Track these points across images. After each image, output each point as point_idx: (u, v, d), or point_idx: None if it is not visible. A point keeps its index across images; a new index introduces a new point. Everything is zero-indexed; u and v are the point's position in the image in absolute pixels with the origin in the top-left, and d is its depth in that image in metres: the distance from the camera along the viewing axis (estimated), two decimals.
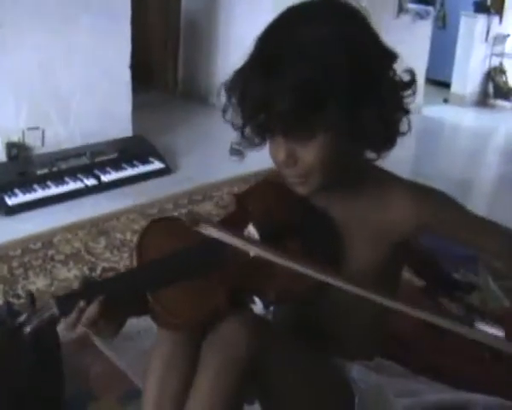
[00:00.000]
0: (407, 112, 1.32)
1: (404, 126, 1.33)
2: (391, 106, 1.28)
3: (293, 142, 1.26)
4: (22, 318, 1.26)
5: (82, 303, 1.26)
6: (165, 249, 1.35)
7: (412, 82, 1.32)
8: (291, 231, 1.39)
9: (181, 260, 1.34)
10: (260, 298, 1.37)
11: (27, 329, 1.25)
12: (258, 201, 1.46)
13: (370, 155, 1.36)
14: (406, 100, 1.32)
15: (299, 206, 1.39)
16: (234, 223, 1.42)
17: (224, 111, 1.34)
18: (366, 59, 1.23)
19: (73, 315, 1.26)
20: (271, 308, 1.49)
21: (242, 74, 1.28)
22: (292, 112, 1.19)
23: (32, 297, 1.47)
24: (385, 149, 1.33)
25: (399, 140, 1.35)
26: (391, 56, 1.30)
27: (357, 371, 1.48)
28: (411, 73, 1.32)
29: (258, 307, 1.41)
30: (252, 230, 1.39)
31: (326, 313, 1.46)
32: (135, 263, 1.36)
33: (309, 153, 1.26)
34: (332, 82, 1.19)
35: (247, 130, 1.35)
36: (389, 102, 1.27)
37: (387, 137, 1.31)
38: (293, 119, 1.21)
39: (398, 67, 1.33)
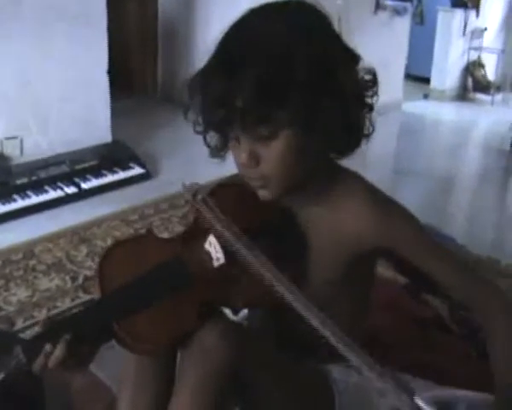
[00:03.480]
0: (371, 108, 1.31)
1: (368, 128, 1.33)
2: (352, 103, 1.27)
3: (256, 142, 1.25)
4: None
5: (48, 347, 1.22)
6: (127, 275, 1.32)
7: (374, 81, 1.32)
8: (256, 234, 1.36)
9: (144, 285, 1.31)
10: (229, 308, 1.35)
11: None
12: (218, 207, 1.42)
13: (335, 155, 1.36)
14: (368, 99, 1.31)
15: (264, 207, 1.37)
16: (194, 234, 1.40)
17: (186, 111, 1.34)
18: (326, 57, 1.23)
19: (40, 360, 1.22)
20: (242, 313, 1.47)
21: (203, 73, 1.28)
22: (252, 108, 1.19)
23: None
24: (349, 150, 1.33)
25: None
26: (352, 57, 1.30)
27: (337, 371, 1.47)
28: (372, 72, 1.32)
29: (230, 314, 1.40)
30: (213, 241, 1.37)
31: (297, 316, 1.45)
32: (98, 293, 1.32)
33: (271, 153, 1.25)
34: (290, 78, 1.19)
35: (210, 135, 1.34)
36: (350, 98, 1.26)
37: (350, 136, 1.30)
38: (254, 115, 1.20)
39: (378, 66, 1.34)
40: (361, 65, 1.30)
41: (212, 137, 1.35)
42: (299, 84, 1.18)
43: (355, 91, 1.28)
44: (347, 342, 1.24)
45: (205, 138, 1.36)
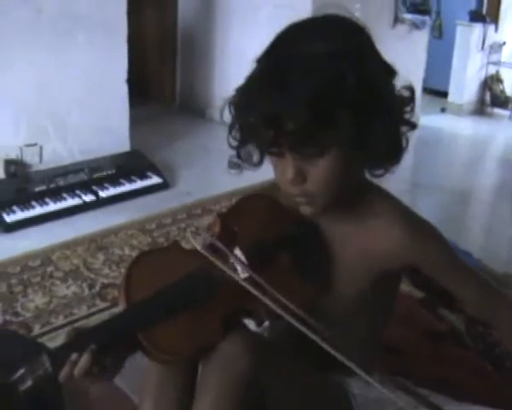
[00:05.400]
0: (414, 126, 1.30)
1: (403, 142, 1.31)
2: (396, 121, 1.27)
3: (303, 159, 1.24)
4: (17, 375, 1.22)
5: (74, 356, 1.23)
6: (152, 286, 1.32)
7: (412, 98, 1.30)
8: (281, 247, 1.38)
9: (169, 296, 1.32)
10: (252, 318, 1.36)
11: (22, 387, 1.22)
12: (244, 219, 1.43)
13: (377, 171, 1.34)
14: (406, 116, 1.30)
15: (289, 220, 1.37)
16: (220, 246, 1.38)
17: (231, 128, 1.33)
18: (371, 74, 1.22)
19: (66, 369, 1.23)
20: (266, 325, 1.47)
21: (249, 91, 1.26)
22: (303, 129, 1.18)
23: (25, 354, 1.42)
24: (391, 166, 1.32)
25: None
26: (392, 72, 1.29)
27: (357, 386, 1.48)
28: (410, 89, 1.31)
29: (252, 325, 1.40)
30: (238, 253, 1.36)
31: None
32: (123, 304, 1.33)
33: (319, 171, 1.24)
34: (342, 96, 1.17)
35: (245, 149, 1.33)
36: (394, 116, 1.26)
37: (394, 152, 1.29)
38: (305, 135, 1.19)
39: (397, 80, 1.33)
40: (398, 80, 1.29)
41: (249, 152, 1.34)
42: (348, 102, 1.17)
43: (397, 108, 1.28)
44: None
45: (238, 152, 1.35)
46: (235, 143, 1.34)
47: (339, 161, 1.24)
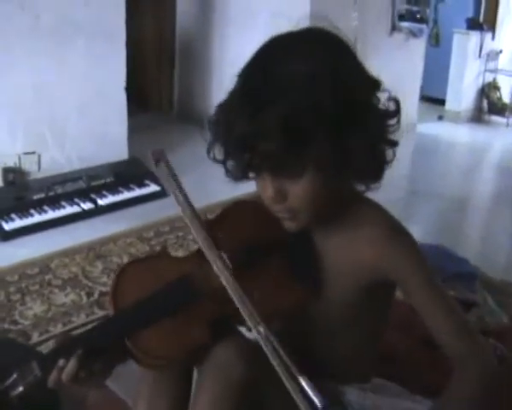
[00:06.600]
0: (395, 144, 1.29)
1: (388, 155, 1.30)
2: (377, 136, 1.26)
3: (282, 178, 1.24)
4: (8, 381, 1.25)
5: (61, 361, 1.24)
6: (139, 293, 1.34)
7: (397, 111, 1.29)
8: (270, 252, 1.38)
9: (156, 302, 1.33)
10: (242, 324, 1.36)
11: (13, 393, 1.24)
12: (230, 226, 1.44)
13: (359, 186, 1.34)
14: (391, 129, 1.29)
15: (279, 225, 1.36)
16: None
17: (209, 150, 1.33)
18: (351, 90, 1.21)
19: (54, 374, 1.25)
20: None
21: (226, 111, 1.26)
22: (279, 151, 1.17)
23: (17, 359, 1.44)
24: (372, 182, 1.31)
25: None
26: (374, 84, 1.28)
27: (352, 393, 1.48)
28: (396, 102, 1.29)
29: (245, 331, 1.40)
30: (224, 257, 1.35)
31: (312, 337, 1.45)
32: (111, 310, 1.35)
33: (299, 189, 1.24)
34: (319, 116, 1.16)
35: (229, 164, 1.32)
36: (375, 132, 1.25)
37: (375, 168, 1.29)
38: (281, 156, 1.19)
39: (393, 88, 1.31)
40: (383, 90, 1.28)
41: (233, 167, 1.33)
42: (326, 122, 1.17)
43: (380, 122, 1.26)
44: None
45: (225, 165, 1.34)
46: (219, 158, 1.33)
47: (319, 178, 1.23)
